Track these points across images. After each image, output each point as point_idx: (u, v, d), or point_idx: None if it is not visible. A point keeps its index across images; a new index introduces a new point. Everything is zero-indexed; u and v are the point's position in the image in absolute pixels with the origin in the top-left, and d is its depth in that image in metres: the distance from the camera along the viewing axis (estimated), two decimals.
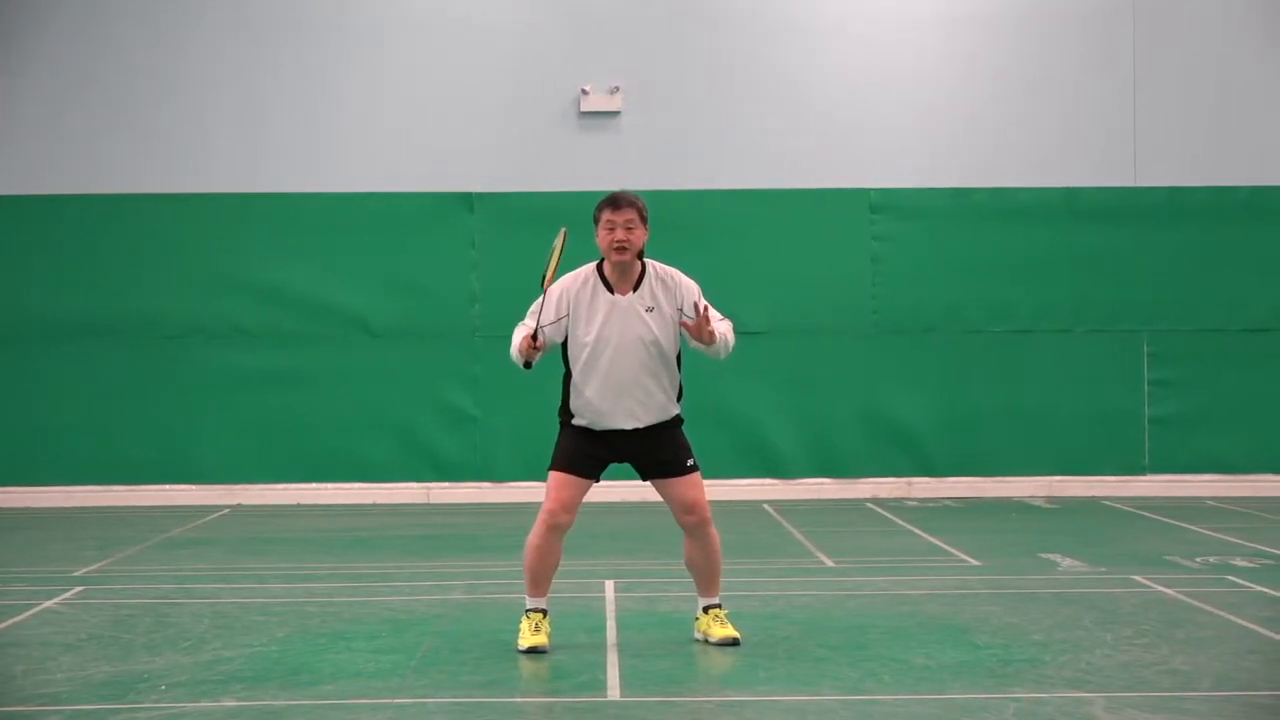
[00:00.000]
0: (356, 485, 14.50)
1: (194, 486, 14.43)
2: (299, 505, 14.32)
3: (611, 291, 7.22)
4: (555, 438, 7.49)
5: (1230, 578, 9.40)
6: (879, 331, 14.67)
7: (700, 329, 7.09)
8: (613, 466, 7.47)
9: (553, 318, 7.22)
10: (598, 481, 7.41)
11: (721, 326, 7.21)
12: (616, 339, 7.17)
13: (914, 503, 14.12)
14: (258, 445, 14.47)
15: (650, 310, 7.21)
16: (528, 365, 7.25)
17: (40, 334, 14.40)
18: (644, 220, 7.22)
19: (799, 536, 11.80)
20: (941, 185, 14.69)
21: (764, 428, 14.45)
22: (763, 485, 14.27)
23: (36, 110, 14.56)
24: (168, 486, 14.43)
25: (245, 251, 14.50)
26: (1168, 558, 10.29)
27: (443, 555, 10.89)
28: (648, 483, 7.44)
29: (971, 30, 14.86)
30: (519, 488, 14.41)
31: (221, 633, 7.85)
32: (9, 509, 14.05)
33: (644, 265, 7.27)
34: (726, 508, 13.53)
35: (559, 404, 7.44)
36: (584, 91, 14.66)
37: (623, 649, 7.39)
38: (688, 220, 14.45)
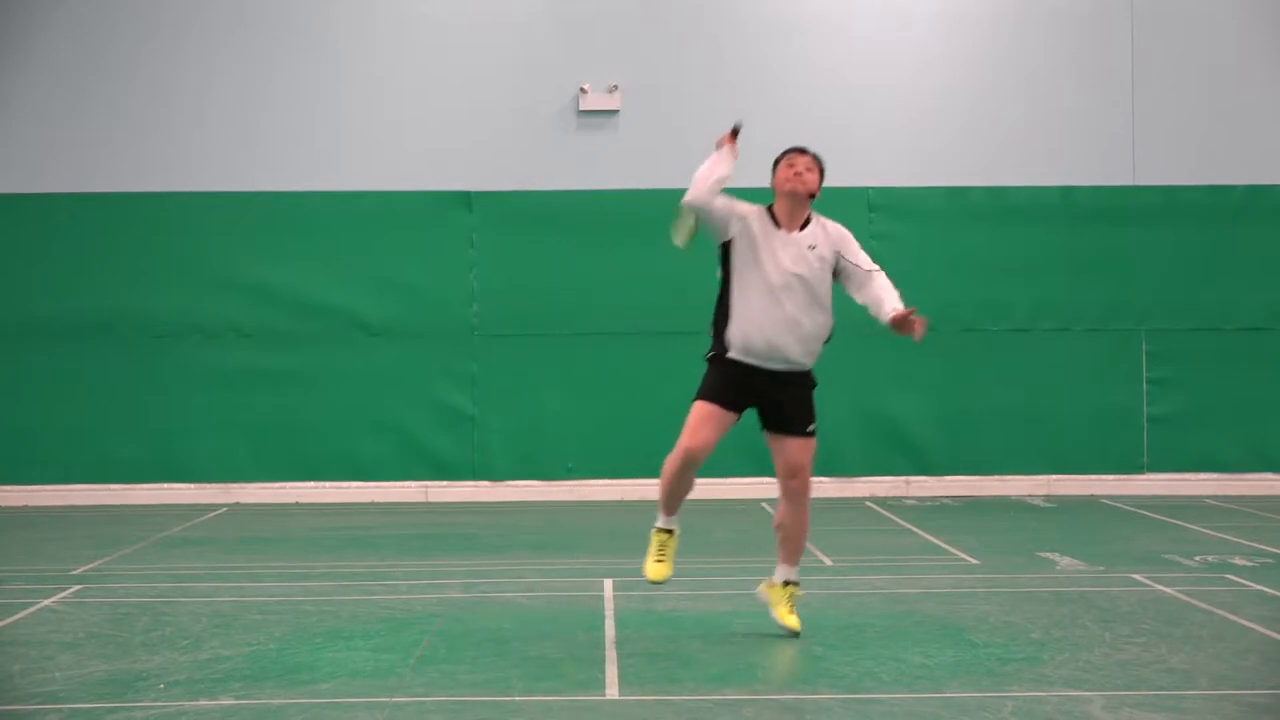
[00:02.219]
0: (354, 484, 14.49)
1: (191, 485, 14.42)
2: (296, 504, 14.31)
3: (778, 226, 7.51)
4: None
5: (1229, 576, 9.41)
6: (877, 330, 14.57)
7: (909, 326, 7.47)
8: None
9: (739, 210, 7.54)
10: (738, 419, 7.55)
11: (892, 290, 7.54)
12: (781, 273, 7.43)
13: (912, 502, 14.12)
14: (255, 444, 14.46)
15: (812, 249, 7.50)
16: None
17: (37, 333, 14.38)
18: (821, 172, 7.58)
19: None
20: (939, 184, 14.69)
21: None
22: (762, 484, 14.24)
23: (31, 109, 14.54)
24: (165, 485, 14.42)
25: (242, 250, 14.49)
26: (1166, 556, 10.29)
27: (440, 554, 10.89)
28: (765, 433, 7.61)
29: (969, 30, 14.87)
30: (516, 486, 14.42)
31: (219, 631, 7.85)
32: (6, 508, 14.04)
33: (810, 212, 7.58)
34: (725, 506, 13.54)
35: (710, 342, 7.60)
36: (582, 90, 14.65)
37: (621, 648, 7.39)
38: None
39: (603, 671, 6.89)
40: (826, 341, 7.62)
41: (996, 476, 14.59)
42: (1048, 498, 14.30)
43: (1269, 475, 14.62)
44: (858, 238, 7.75)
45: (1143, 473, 14.64)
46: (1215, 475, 14.60)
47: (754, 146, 14.80)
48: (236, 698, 6.43)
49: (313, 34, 14.70)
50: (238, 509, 13.96)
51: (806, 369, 7.54)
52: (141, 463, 14.41)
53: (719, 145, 7.58)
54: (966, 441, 14.65)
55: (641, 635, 7.69)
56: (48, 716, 6.18)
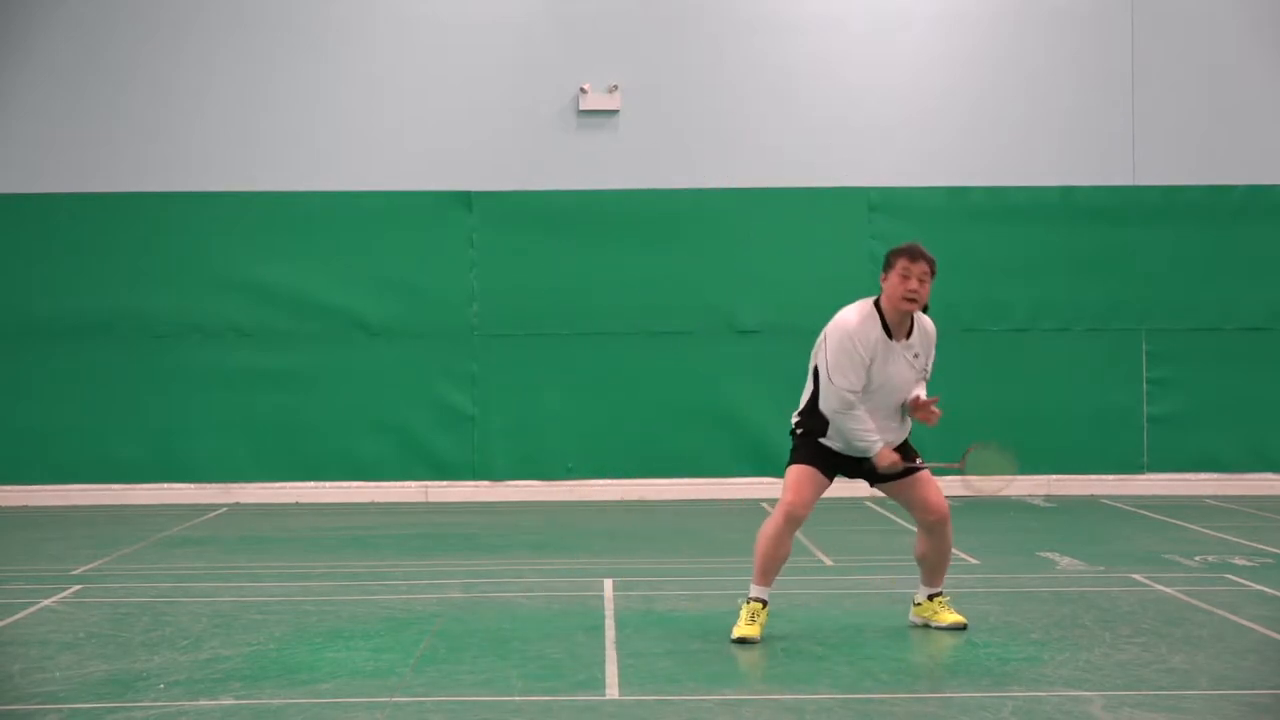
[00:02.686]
0: (354, 484, 14.49)
1: (191, 485, 14.42)
2: (296, 504, 14.31)
3: (890, 336, 7.44)
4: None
5: (1229, 576, 9.40)
6: None
7: (924, 410, 7.54)
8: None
9: (865, 368, 7.42)
10: (831, 483, 7.58)
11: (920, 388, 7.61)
12: (889, 381, 7.45)
13: None
14: (255, 444, 14.45)
15: (916, 357, 7.54)
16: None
17: (37, 333, 14.38)
18: (933, 275, 7.46)
19: (797, 535, 11.77)
20: (939, 184, 14.69)
21: (762, 426, 14.42)
22: (761, 484, 14.24)
23: (31, 109, 14.54)
24: (165, 485, 14.42)
25: (242, 250, 14.49)
26: (1166, 556, 10.29)
27: (440, 554, 10.89)
28: (876, 487, 7.68)
29: (970, 30, 14.87)
30: (516, 486, 14.42)
31: (219, 631, 7.84)
32: (6, 508, 14.04)
33: (914, 316, 7.55)
34: (725, 506, 13.54)
35: (802, 418, 7.57)
36: (582, 90, 14.65)
37: (621, 648, 7.38)
38: (686, 219, 14.47)
39: (603, 671, 6.89)
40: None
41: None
42: (1048, 498, 14.29)
43: (1269, 475, 14.61)
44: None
45: (1143, 473, 14.64)
46: (1215, 475, 14.59)
47: (757, 146, 14.95)
48: (236, 698, 6.43)
49: (313, 34, 14.70)
50: (238, 509, 13.95)
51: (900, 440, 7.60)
52: (141, 463, 14.41)
53: (884, 458, 7.43)
54: (966, 441, 14.53)
55: (641, 635, 7.68)
56: (48, 716, 6.18)
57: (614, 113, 14.72)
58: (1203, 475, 14.60)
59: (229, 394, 14.43)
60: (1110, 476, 14.63)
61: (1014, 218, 14.68)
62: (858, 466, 7.54)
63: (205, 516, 13.31)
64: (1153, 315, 14.69)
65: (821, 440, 7.49)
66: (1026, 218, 14.68)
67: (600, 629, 7.83)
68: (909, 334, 7.50)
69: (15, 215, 14.42)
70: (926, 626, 7.74)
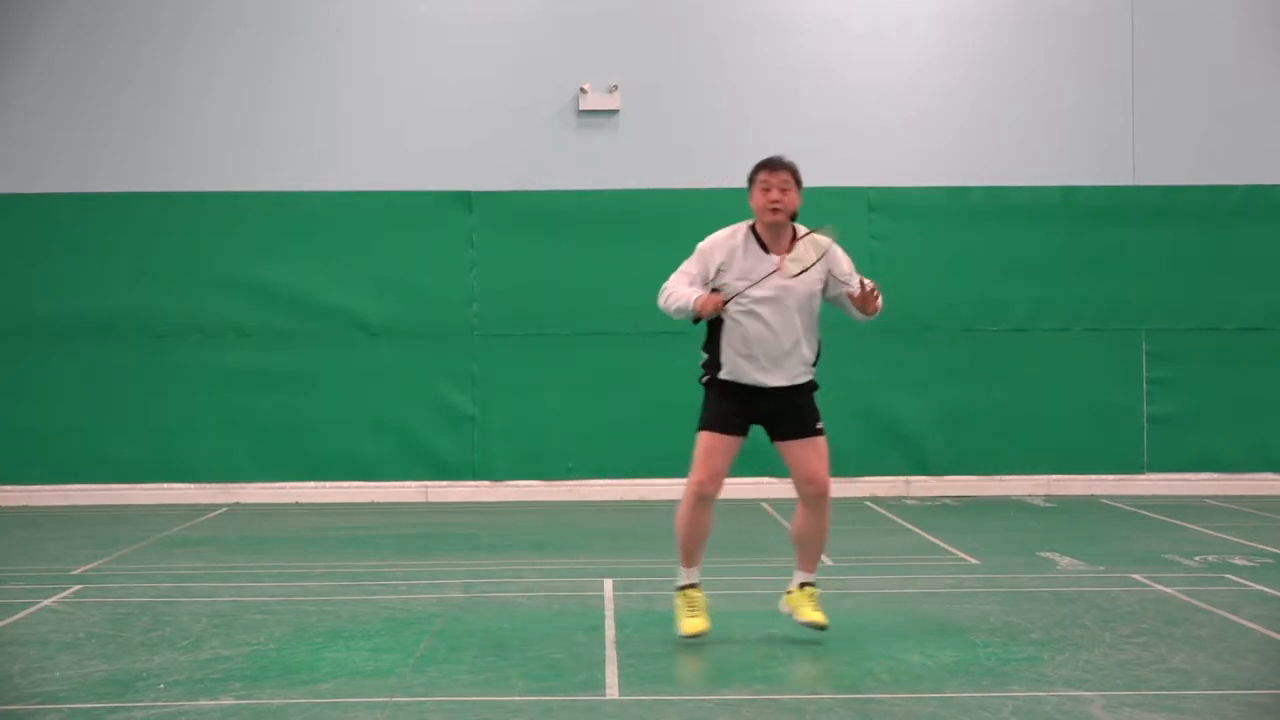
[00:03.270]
0: (354, 484, 14.49)
1: (191, 485, 14.42)
2: (296, 504, 14.31)
3: (767, 251, 7.35)
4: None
5: (1229, 576, 9.41)
6: (876, 330, 14.61)
7: (867, 301, 7.29)
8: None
9: (722, 278, 7.35)
10: (744, 438, 7.43)
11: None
12: (773, 298, 7.28)
13: (912, 501, 14.12)
14: (255, 444, 14.46)
15: (806, 270, 7.34)
16: (697, 320, 7.37)
17: (37, 333, 14.38)
18: (798, 184, 7.46)
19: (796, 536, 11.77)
20: (939, 184, 14.69)
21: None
22: (761, 484, 14.24)
23: (31, 109, 14.54)
24: (164, 485, 14.42)
25: (242, 250, 14.49)
26: (1166, 556, 10.29)
27: (440, 554, 10.89)
28: (775, 444, 7.49)
29: (970, 29, 14.87)
30: (517, 486, 14.42)
31: (219, 631, 7.85)
32: (6, 508, 14.04)
33: (794, 228, 7.45)
34: (724, 506, 13.50)
35: (702, 362, 7.50)
36: (582, 90, 14.65)
37: (621, 648, 7.39)
38: (686, 218, 14.43)
39: (603, 671, 6.89)
40: (815, 361, 7.48)
41: (996, 476, 14.59)
42: (1048, 498, 14.29)
43: (1269, 475, 14.62)
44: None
45: (1143, 473, 14.64)
46: (1215, 475, 14.60)
47: (757, 146, 14.86)
48: (236, 698, 6.43)
49: (313, 34, 14.70)
50: (238, 509, 13.95)
51: (803, 382, 7.43)
52: (141, 463, 14.41)
53: (702, 302, 7.26)
54: (966, 441, 14.65)
55: (641, 635, 7.68)
56: (48, 716, 6.18)
57: (614, 113, 14.72)
58: (1203, 475, 14.61)
59: (229, 394, 14.43)
60: (1110, 476, 14.63)
61: (1014, 218, 14.68)
62: (768, 407, 7.32)
63: (205, 516, 13.31)
64: (1153, 315, 14.69)
65: (721, 377, 7.37)
66: (1026, 218, 14.68)
67: (600, 629, 7.83)
68: (790, 248, 7.37)
69: (15, 215, 14.42)
70: (790, 617, 7.53)
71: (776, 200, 7.37)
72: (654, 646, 7.40)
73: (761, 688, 6.60)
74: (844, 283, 7.40)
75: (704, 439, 7.39)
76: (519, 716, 6.15)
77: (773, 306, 7.30)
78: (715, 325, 7.43)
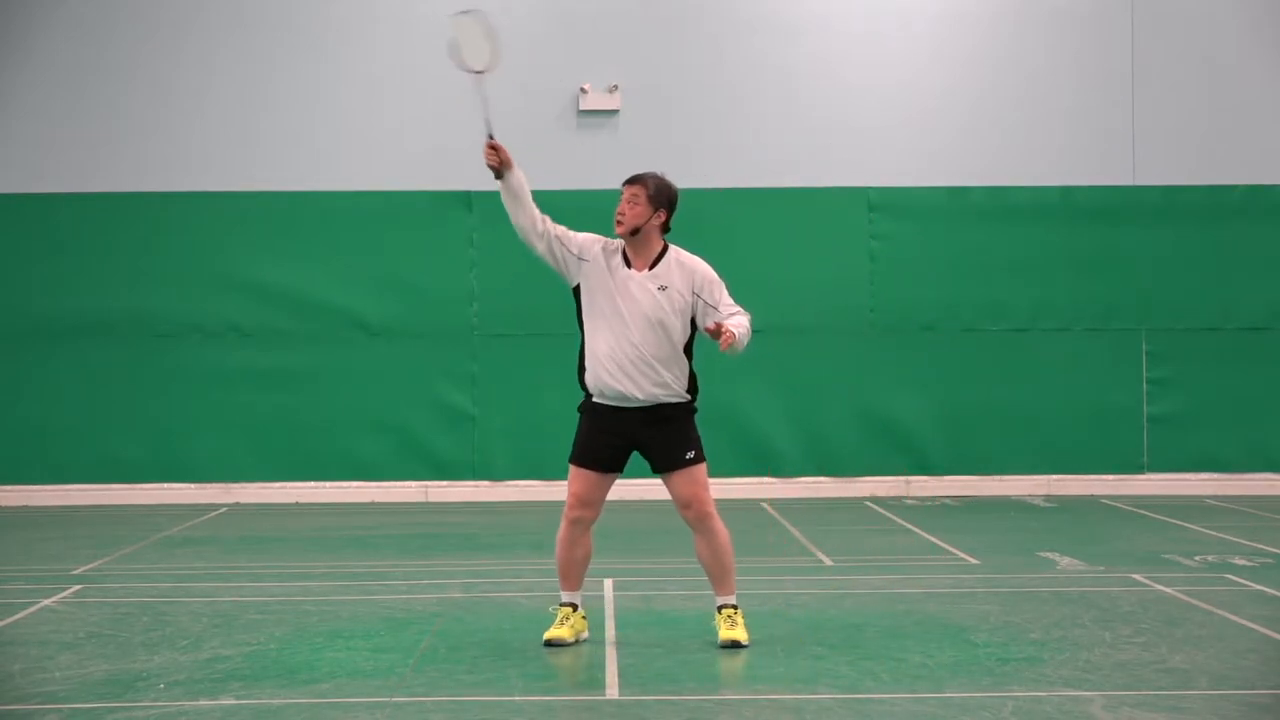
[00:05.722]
0: (354, 484, 14.49)
1: (191, 485, 14.42)
2: (297, 504, 14.31)
3: (628, 266, 7.29)
4: (567, 433, 7.47)
5: (1229, 576, 9.41)
6: (877, 330, 14.67)
7: (718, 338, 7.00)
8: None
9: (574, 251, 7.56)
10: (620, 472, 7.37)
11: (740, 323, 7.14)
12: (627, 312, 7.20)
13: (912, 501, 14.12)
14: (255, 444, 14.46)
15: (662, 290, 7.22)
16: (494, 169, 7.64)
17: (37, 333, 14.38)
18: (651, 199, 7.39)
19: (797, 535, 11.80)
20: (939, 184, 14.69)
21: (762, 426, 14.45)
22: (761, 484, 14.25)
23: (31, 109, 14.54)
24: (165, 485, 14.42)
25: (242, 250, 14.49)
26: (1166, 556, 10.29)
27: (440, 554, 10.89)
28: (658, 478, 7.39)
29: (969, 29, 14.87)
30: (517, 486, 14.41)
31: (219, 631, 7.84)
32: (6, 507, 14.04)
33: (665, 247, 7.36)
34: (724, 506, 13.44)
35: (580, 384, 7.40)
36: (583, 90, 14.65)
37: (621, 648, 7.38)
38: (686, 219, 14.33)
39: (603, 671, 6.89)
40: (691, 390, 7.28)
41: (996, 476, 14.59)
42: (1048, 498, 14.29)
43: (1269, 475, 14.62)
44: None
45: (1143, 473, 14.64)
46: (1215, 475, 14.60)
47: (757, 146, 14.95)
48: (236, 698, 6.43)
49: (313, 34, 14.70)
50: (238, 509, 13.95)
51: (672, 402, 7.22)
52: (141, 463, 14.41)
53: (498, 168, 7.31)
54: (966, 441, 14.65)
55: (641, 635, 7.68)
56: (48, 716, 6.18)
57: (614, 113, 14.72)
58: (1203, 475, 14.61)
59: (229, 394, 14.43)
60: (1110, 476, 14.63)
61: (1014, 218, 14.68)
62: (640, 433, 7.15)
63: (205, 516, 13.31)
64: (1153, 315, 14.69)
65: (593, 401, 7.25)
66: (1026, 218, 14.68)
67: (600, 629, 7.83)
68: (653, 266, 7.27)
69: (15, 215, 14.42)
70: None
71: (621, 212, 7.41)
72: (654, 646, 7.40)
73: (761, 688, 6.60)
74: (713, 306, 7.19)
75: (573, 473, 7.34)
76: (519, 716, 6.15)
77: (626, 321, 7.15)
78: (581, 347, 7.34)
